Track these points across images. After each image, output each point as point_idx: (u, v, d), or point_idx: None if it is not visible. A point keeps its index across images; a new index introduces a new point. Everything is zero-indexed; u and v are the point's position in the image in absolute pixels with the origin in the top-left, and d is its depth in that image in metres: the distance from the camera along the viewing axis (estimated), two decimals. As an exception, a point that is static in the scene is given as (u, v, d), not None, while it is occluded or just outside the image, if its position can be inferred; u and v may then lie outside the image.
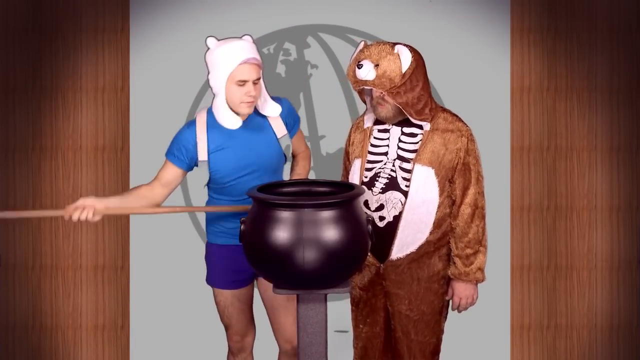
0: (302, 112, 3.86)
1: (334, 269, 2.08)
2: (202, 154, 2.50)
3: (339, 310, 3.03)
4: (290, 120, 2.64)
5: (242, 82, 2.42)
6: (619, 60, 3.43)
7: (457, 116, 2.52)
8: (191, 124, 2.54)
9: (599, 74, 3.44)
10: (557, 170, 3.47)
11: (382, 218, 2.43)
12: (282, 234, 2.04)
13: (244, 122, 2.52)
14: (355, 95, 3.80)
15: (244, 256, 2.51)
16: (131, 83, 3.50)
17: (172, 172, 2.53)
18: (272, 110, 2.55)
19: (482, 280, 2.51)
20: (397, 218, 2.41)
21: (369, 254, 2.45)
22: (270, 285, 2.56)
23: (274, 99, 2.59)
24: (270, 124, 2.58)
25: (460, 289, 2.51)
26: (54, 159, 3.45)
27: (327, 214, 2.05)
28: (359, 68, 2.37)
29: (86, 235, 3.47)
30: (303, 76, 3.84)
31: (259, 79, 2.47)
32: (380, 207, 2.43)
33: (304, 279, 2.08)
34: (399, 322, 2.49)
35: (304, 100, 3.86)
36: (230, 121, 2.47)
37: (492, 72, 3.59)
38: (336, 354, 2.75)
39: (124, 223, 3.51)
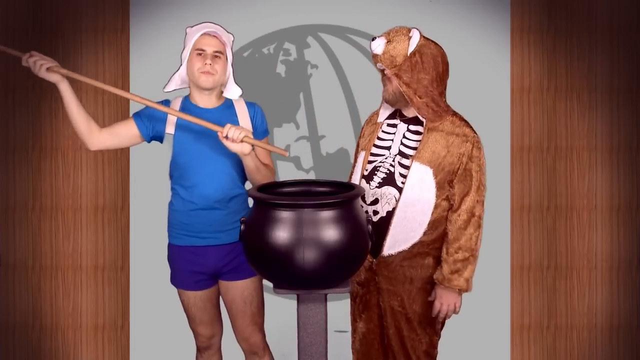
0: (302, 112, 3.86)
1: (334, 269, 2.08)
2: (170, 128, 2.56)
3: (339, 310, 3.02)
4: (259, 124, 2.66)
5: (201, 51, 2.54)
6: (619, 60, 3.43)
7: (466, 122, 2.48)
8: (165, 101, 2.63)
9: (599, 74, 3.44)
10: (557, 170, 3.47)
11: (375, 212, 2.43)
12: (282, 234, 2.03)
13: (214, 110, 2.58)
14: (356, 95, 3.83)
15: (204, 257, 2.56)
16: (131, 83, 3.49)
17: (129, 128, 2.58)
18: (233, 92, 2.63)
19: (467, 290, 2.44)
20: (390, 214, 2.40)
21: None
22: (230, 288, 2.63)
23: (248, 104, 2.66)
24: (237, 118, 2.61)
25: (442, 295, 2.43)
26: (54, 159, 3.45)
27: (327, 214, 2.05)
28: (373, 40, 2.41)
29: (86, 236, 3.47)
30: (303, 76, 3.84)
31: (220, 52, 2.56)
32: (375, 202, 2.43)
33: (304, 279, 2.08)
34: (392, 317, 2.48)
35: (304, 100, 3.86)
36: (182, 84, 2.61)
37: (492, 72, 3.59)
38: (336, 354, 2.75)
39: (123, 223, 3.51)
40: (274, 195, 2.26)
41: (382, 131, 2.53)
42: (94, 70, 3.45)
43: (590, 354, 3.48)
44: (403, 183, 2.40)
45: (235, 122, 2.59)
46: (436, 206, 2.40)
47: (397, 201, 2.39)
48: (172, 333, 3.62)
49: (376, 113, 2.62)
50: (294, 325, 2.20)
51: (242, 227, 2.16)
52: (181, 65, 2.60)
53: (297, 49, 3.83)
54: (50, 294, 3.46)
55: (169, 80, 2.63)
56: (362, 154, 2.53)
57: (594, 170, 3.46)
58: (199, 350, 2.77)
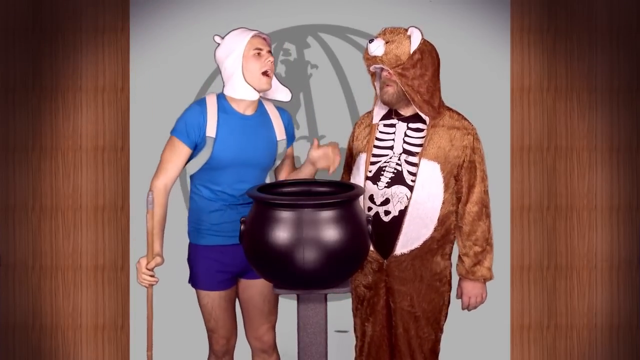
0: (302, 112, 3.86)
1: (334, 269, 2.08)
2: (211, 130, 2.45)
3: (339, 310, 3.02)
4: (290, 130, 2.66)
5: (259, 51, 2.47)
6: (619, 60, 3.43)
7: (463, 115, 2.55)
8: (201, 102, 2.52)
9: (599, 74, 3.44)
10: (557, 170, 3.47)
11: (387, 212, 2.44)
12: (282, 234, 2.04)
13: (252, 116, 2.55)
14: (356, 95, 3.83)
15: (232, 256, 2.54)
16: (131, 83, 3.49)
17: (182, 153, 2.47)
18: (283, 94, 2.60)
19: (490, 279, 2.54)
20: (402, 212, 2.42)
21: (372, 249, 2.46)
22: (250, 286, 2.62)
23: (279, 110, 2.64)
24: (273, 125, 2.59)
25: (469, 288, 2.53)
26: (54, 159, 3.44)
27: (327, 214, 2.05)
28: (370, 43, 2.41)
29: (86, 235, 3.46)
30: (303, 76, 3.84)
31: (271, 52, 2.52)
32: (386, 202, 2.44)
33: (304, 279, 2.08)
34: (401, 318, 2.50)
35: (304, 100, 3.86)
36: (249, 93, 2.48)
37: (492, 72, 3.59)
38: (336, 354, 2.75)
39: (124, 223, 3.51)
40: (274, 195, 2.26)
41: (380, 132, 2.53)
42: (94, 70, 3.45)
43: (590, 354, 3.48)
44: (413, 181, 2.42)
45: (271, 129, 2.57)
46: (444, 201, 2.45)
47: (409, 199, 2.41)
48: (172, 333, 3.62)
49: (368, 115, 2.62)
50: (294, 325, 2.21)
51: (242, 227, 2.16)
52: (231, 74, 2.49)
53: (297, 49, 3.83)
54: (50, 294, 3.46)
55: (225, 85, 2.52)
56: (362, 156, 2.53)
57: (594, 170, 3.45)
58: (217, 355, 2.71)
